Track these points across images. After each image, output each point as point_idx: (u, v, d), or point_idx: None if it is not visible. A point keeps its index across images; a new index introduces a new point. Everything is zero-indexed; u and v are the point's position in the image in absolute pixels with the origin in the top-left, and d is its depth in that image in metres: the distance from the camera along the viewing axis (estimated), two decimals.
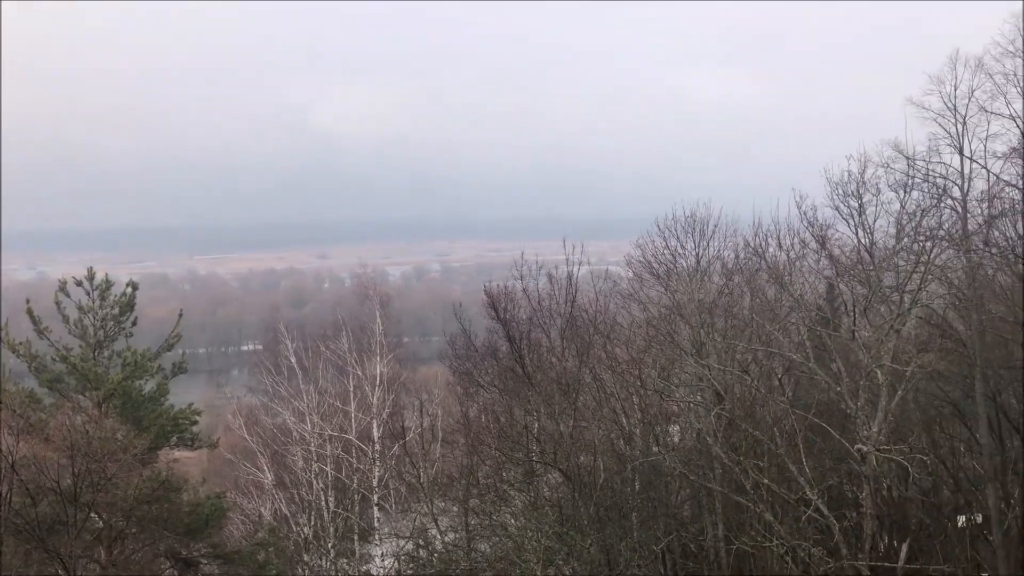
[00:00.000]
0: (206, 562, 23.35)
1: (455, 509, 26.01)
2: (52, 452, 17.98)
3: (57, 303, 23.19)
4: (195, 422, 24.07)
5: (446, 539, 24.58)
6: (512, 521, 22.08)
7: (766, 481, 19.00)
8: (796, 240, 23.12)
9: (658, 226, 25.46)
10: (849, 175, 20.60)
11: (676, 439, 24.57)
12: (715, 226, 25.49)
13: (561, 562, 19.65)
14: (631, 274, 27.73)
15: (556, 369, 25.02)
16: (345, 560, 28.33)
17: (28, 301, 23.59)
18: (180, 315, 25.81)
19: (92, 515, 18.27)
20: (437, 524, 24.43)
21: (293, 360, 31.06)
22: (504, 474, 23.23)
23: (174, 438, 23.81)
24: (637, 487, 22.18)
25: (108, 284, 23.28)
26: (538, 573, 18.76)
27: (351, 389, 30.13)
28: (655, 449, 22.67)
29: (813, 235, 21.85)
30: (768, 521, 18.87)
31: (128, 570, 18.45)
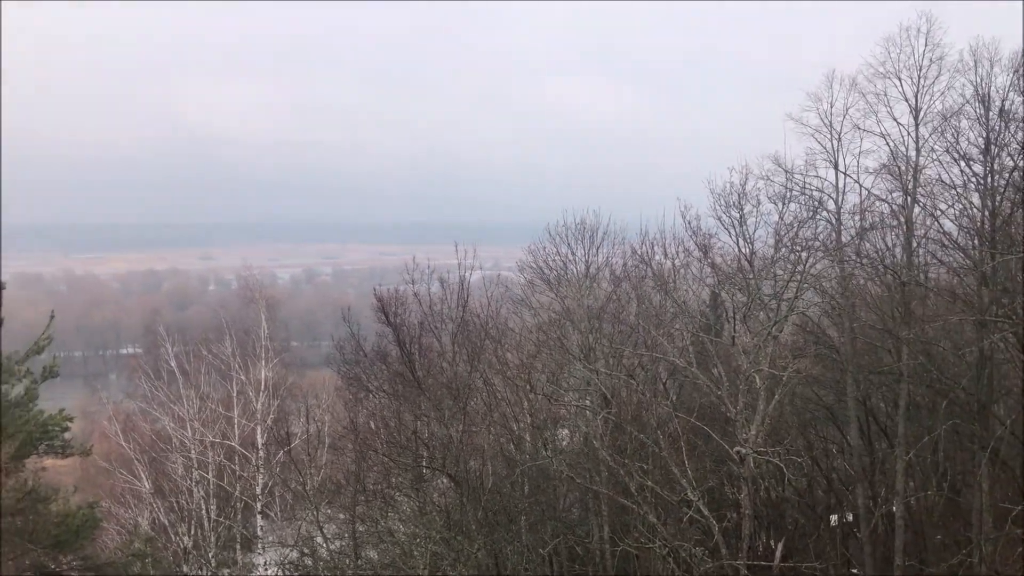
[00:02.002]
0: (76, 575, 22.22)
1: (342, 516, 25.58)
2: None
3: None
4: (67, 428, 22.80)
5: (332, 547, 24.14)
6: (400, 527, 21.89)
7: (650, 483, 19.42)
8: (681, 249, 23.81)
9: (549, 232, 25.75)
10: (731, 186, 21.31)
11: (564, 443, 24.86)
12: (604, 233, 25.97)
13: (448, 567, 19.60)
14: (523, 279, 27.95)
15: (447, 374, 24.94)
16: (227, 570, 27.48)
17: None
18: (52, 316, 24.41)
19: None
20: (323, 531, 23.98)
21: (174, 364, 29.99)
22: (393, 480, 23.00)
23: (43, 445, 22.49)
24: (526, 491, 22.33)
25: None
26: None
27: (234, 394, 29.31)
28: (544, 453, 22.87)
29: (697, 244, 22.52)
30: (652, 523, 19.30)
31: None
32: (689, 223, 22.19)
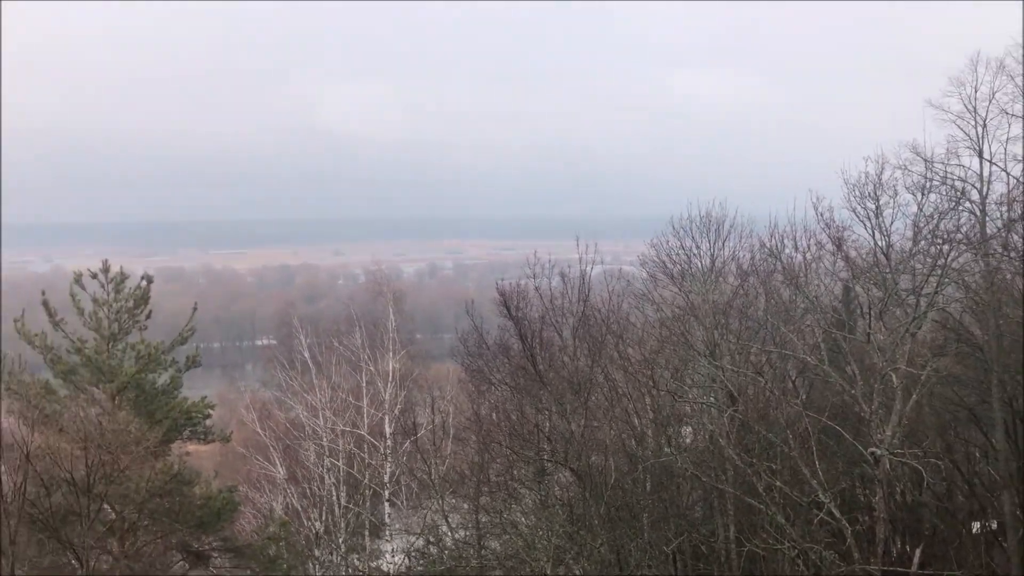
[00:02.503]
0: (217, 555, 23.44)
1: (465, 506, 26.02)
2: (66, 443, 18.10)
3: (72, 295, 23.32)
4: (208, 415, 24.16)
5: (456, 536, 24.59)
6: (522, 519, 22.07)
7: (778, 483, 18.89)
8: (812, 241, 22.99)
9: (673, 226, 25.34)
10: (866, 177, 20.49)
11: (688, 440, 24.48)
12: (731, 226, 25.36)
13: (572, 561, 19.63)
14: (645, 274, 27.63)
15: (568, 368, 24.96)
16: (356, 556, 28.37)
17: (44, 293, 23.72)
18: (194, 309, 25.90)
19: (105, 506, 18.36)
20: (448, 521, 24.44)
21: (307, 355, 31.12)
22: (515, 472, 23.21)
23: (187, 431, 23.91)
24: (648, 488, 22.10)
25: (123, 277, 23.40)
26: (548, 572, 18.73)
27: (364, 385, 30.17)
28: (667, 450, 22.58)
29: (829, 236, 21.73)
30: (780, 524, 18.77)
31: (140, 562, 18.53)
32: (821, 215, 21.46)
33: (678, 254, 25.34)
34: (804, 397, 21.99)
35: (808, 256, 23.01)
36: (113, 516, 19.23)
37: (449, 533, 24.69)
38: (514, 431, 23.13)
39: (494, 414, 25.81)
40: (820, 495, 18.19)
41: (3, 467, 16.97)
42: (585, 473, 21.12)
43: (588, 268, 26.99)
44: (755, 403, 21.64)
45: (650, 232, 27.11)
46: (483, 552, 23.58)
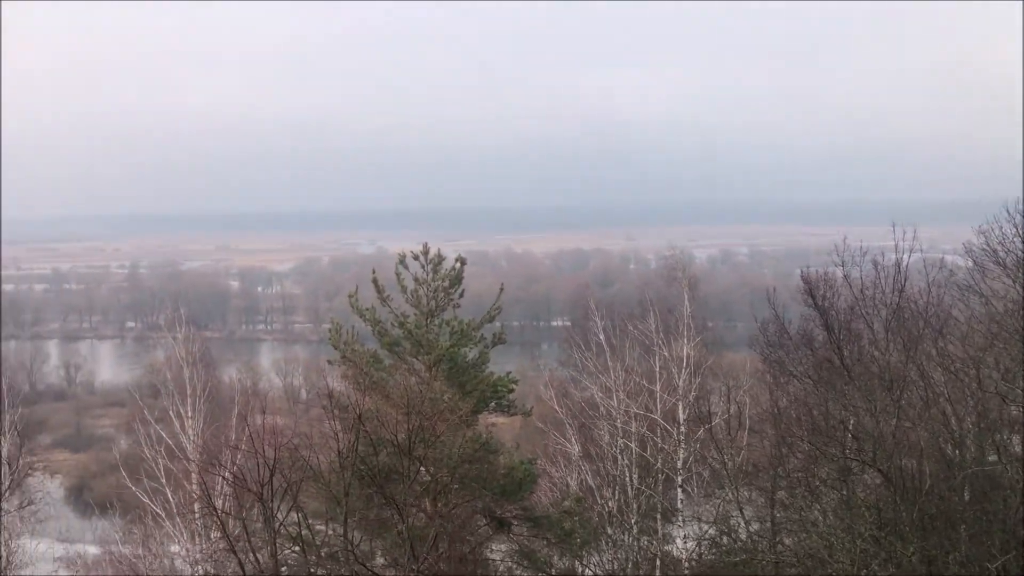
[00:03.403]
0: (517, 523, 24.69)
1: (760, 500, 25.33)
2: (391, 408, 19.94)
3: (397, 274, 25.67)
4: (512, 390, 25.50)
5: (751, 528, 24.04)
6: (821, 518, 21.08)
7: None
8: None
9: (1008, 211, 22.78)
10: None
11: (1019, 449, 22.00)
12: None
13: (878, 567, 18.44)
14: (971, 264, 25.12)
15: (878, 363, 23.38)
16: (647, 538, 28.67)
17: (374, 272, 26.38)
18: (501, 289, 27.41)
19: (422, 468, 20.02)
20: (742, 512, 23.96)
21: (602, 337, 31.77)
22: (816, 469, 22.21)
23: (492, 404, 25.42)
24: (967, 497, 20.20)
25: (440, 259, 25.32)
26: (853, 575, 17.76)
27: (657, 369, 30.29)
28: (992, 458, 20.47)
29: None
30: None
31: (451, 522, 20.03)
32: None
33: (1013, 242, 22.74)
34: None
35: None
36: (428, 478, 20.87)
37: (743, 524, 24.19)
38: (816, 426, 22.11)
39: (793, 408, 24.83)
40: None
41: (339, 426, 19.02)
42: (895, 476, 19.71)
43: (904, 256, 25.05)
44: None
45: (975, 218, 24.58)
46: (778, 548, 22.85)
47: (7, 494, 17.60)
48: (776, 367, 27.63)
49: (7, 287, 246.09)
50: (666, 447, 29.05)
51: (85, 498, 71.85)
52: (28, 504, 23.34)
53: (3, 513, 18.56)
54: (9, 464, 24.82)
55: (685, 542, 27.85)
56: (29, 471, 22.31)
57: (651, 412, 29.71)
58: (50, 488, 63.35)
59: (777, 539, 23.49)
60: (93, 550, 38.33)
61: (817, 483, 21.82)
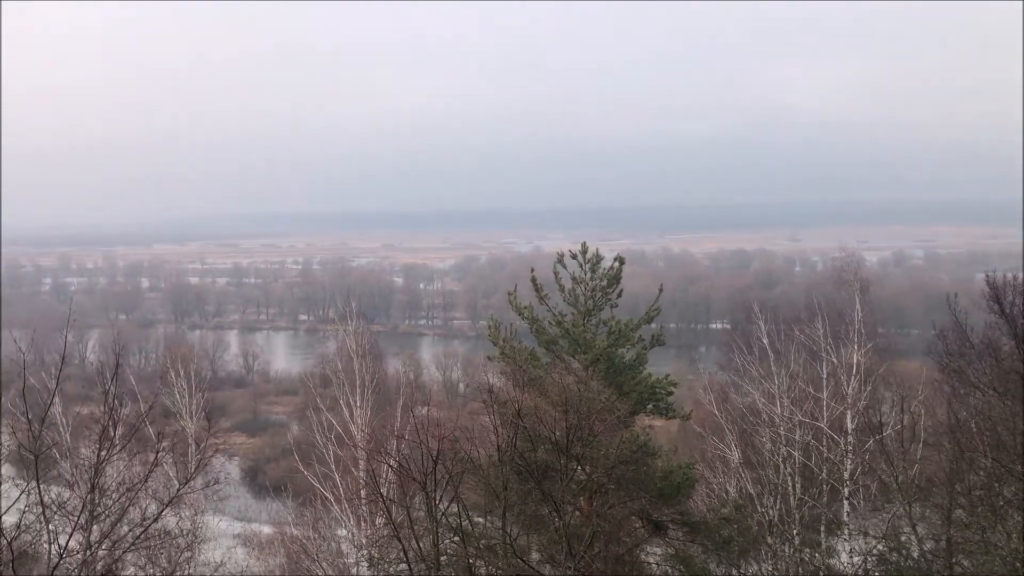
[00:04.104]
0: (673, 527, 24.36)
1: (935, 517, 23.87)
2: (548, 405, 20.12)
3: (555, 273, 25.91)
4: (671, 392, 25.20)
5: (924, 547, 22.71)
6: (1005, 540, 19.65)
7: None
8: None
9: None
10: None
11: None
12: None
13: None
14: None
15: None
16: (809, 550, 27.59)
17: (532, 271, 26.72)
18: (660, 290, 27.17)
19: (578, 467, 20.09)
20: (915, 529, 22.67)
21: (765, 341, 30.84)
22: (999, 488, 20.73)
23: (650, 406, 25.20)
24: None
25: (598, 258, 25.35)
26: None
27: (824, 376, 29.11)
28: None
29: None
30: None
31: (607, 522, 20.01)
32: None
33: None
34: None
35: None
36: (584, 477, 20.92)
37: (915, 542, 22.88)
38: (1000, 442, 20.65)
39: (974, 421, 23.25)
40: None
41: (498, 421, 19.37)
42: None
43: None
44: None
45: None
46: (955, 569, 21.48)
47: (193, 473, 18.96)
48: (955, 377, 25.89)
49: (193, 280, 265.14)
50: (832, 457, 27.86)
51: (260, 480, 76.46)
52: (213, 483, 25.06)
53: (190, 491, 20.16)
54: (197, 443, 26.79)
55: (851, 556, 26.63)
56: (213, 452, 23.95)
57: (817, 420, 28.59)
58: (229, 469, 67.83)
59: (954, 560, 22.08)
60: (267, 530, 40.75)
61: (1001, 503, 20.37)
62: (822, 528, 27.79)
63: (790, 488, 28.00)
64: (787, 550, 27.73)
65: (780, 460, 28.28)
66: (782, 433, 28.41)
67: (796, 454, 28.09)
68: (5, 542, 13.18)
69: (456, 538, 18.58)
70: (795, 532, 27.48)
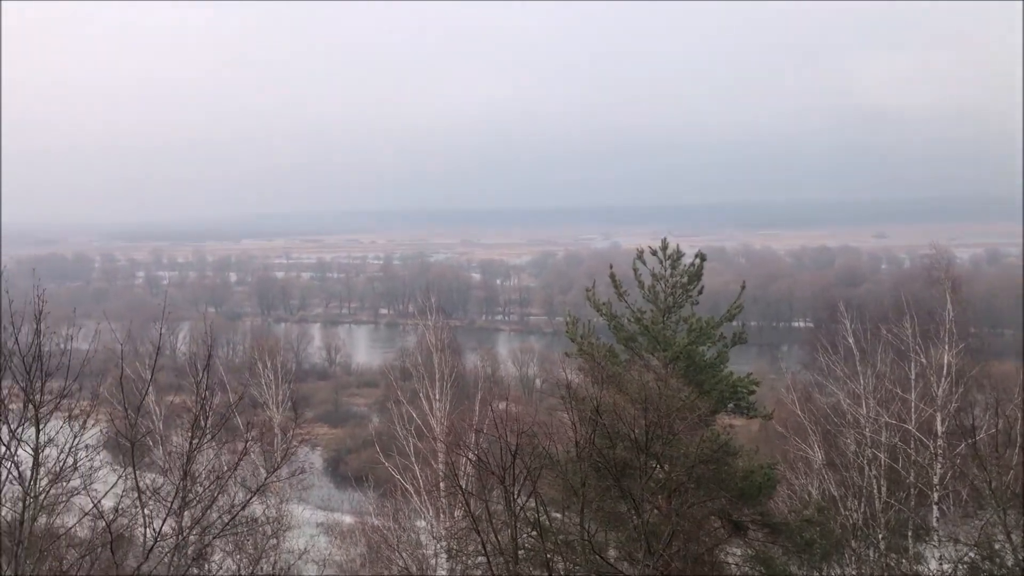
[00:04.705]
0: (753, 528, 24.00)
1: None
2: (626, 403, 20.02)
3: (634, 269, 25.73)
4: (753, 391, 24.82)
5: (1020, 556, 21.87)
6: None
7: None
8: None
9: None
10: None
11: None
12: None
13: None
14: None
15: None
16: (895, 555, 26.84)
17: (611, 267, 26.62)
18: (743, 287, 26.82)
19: (657, 465, 19.95)
20: (1010, 537, 21.85)
21: (851, 340, 30.08)
22: None
23: (731, 405, 24.86)
24: None
25: (679, 255, 25.10)
26: None
27: (912, 377, 28.24)
28: None
29: None
30: None
31: (686, 521, 19.82)
32: None
33: None
34: None
35: None
36: (662, 475, 20.77)
37: (1010, 551, 22.06)
38: None
39: None
40: None
41: (576, 418, 19.37)
42: None
43: None
44: None
45: None
46: None
47: (280, 462, 19.49)
48: None
49: (278, 274, 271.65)
50: (920, 460, 27.04)
51: (341, 470, 78.08)
52: (299, 472, 25.69)
53: (276, 479, 20.74)
54: (283, 433, 27.51)
55: (940, 564, 25.83)
56: (298, 442, 24.57)
57: (904, 422, 27.78)
58: (312, 459, 69.42)
59: None
60: (348, 519, 41.61)
61: None
62: (909, 534, 27.01)
63: (875, 491, 27.29)
64: (872, 555, 27.04)
65: (865, 462, 27.57)
66: (867, 435, 27.69)
67: (882, 456, 27.36)
68: (104, 524, 13.75)
69: (534, 533, 18.67)
70: (880, 537, 26.78)
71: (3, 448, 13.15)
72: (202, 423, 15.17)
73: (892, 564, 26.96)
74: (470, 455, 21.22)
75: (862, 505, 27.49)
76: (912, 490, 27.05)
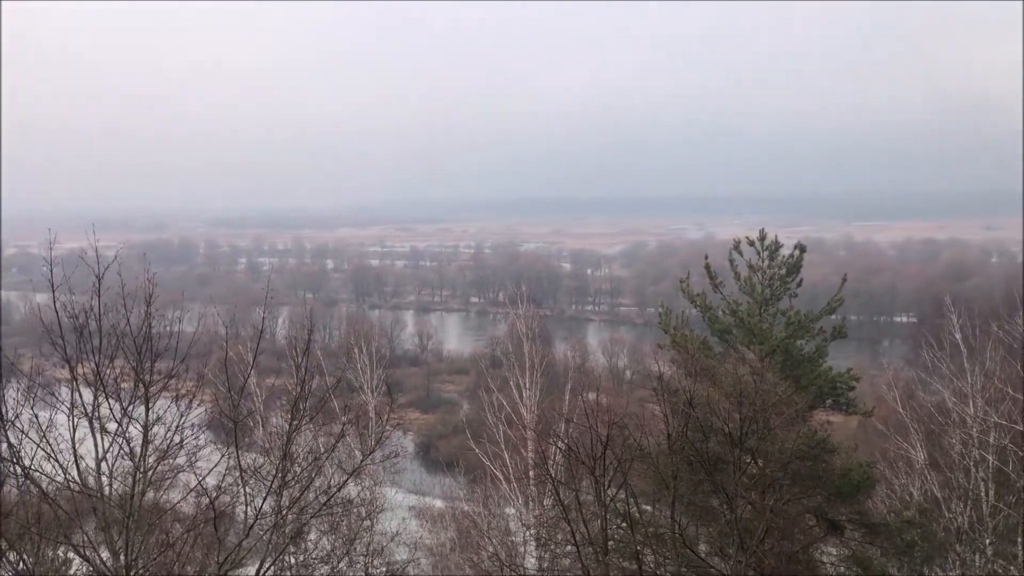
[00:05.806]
0: (850, 528, 23.34)
1: None
2: (720, 396, 19.69)
3: (730, 260, 25.23)
4: (853, 387, 24.09)
5: None
6: None
7: None
8: None
9: None
10: None
11: None
12: None
13: None
14: None
15: None
16: (1003, 562, 25.71)
17: (706, 258, 26.17)
18: (844, 280, 26.00)
19: (751, 460, 19.58)
20: None
21: (958, 336, 28.84)
22: None
23: (829, 400, 24.18)
24: None
25: (777, 246, 24.50)
26: None
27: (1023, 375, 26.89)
28: None
29: None
30: None
31: (781, 518, 19.41)
32: None
33: None
34: None
35: None
36: (756, 471, 20.37)
37: None
38: None
39: None
40: None
41: (668, 410, 19.15)
42: None
43: None
44: None
45: None
46: None
47: (375, 446, 19.91)
48: None
49: (373, 262, 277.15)
50: None
51: (432, 456, 79.26)
52: (393, 456, 26.17)
53: (371, 462, 21.21)
54: (378, 417, 28.06)
55: None
56: (392, 427, 25.03)
57: (1015, 423, 26.50)
58: (405, 444, 70.71)
59: None
60: (438, 503, 42.21)
61: None
62: (1019, 539, 25.81)
63: (982, 494, 26.16)
64: (978, 560, 25.97)
65: (971, 463, 26.45)
66: (974, 435, 26.56)
67: (990, 458, 26.19)
68: (207, 501, 14.28)
69: (624, 524, 18.58)
70: (987, 542, 25.68)
71: (116, 425, 13.80)
72: (301, 406, 15.59)
73: (1000, 571, 25.83)
74: (560, 444, 21.23)
75: (968, 508, 26.39)
76: (1022, 493, 25.83)
